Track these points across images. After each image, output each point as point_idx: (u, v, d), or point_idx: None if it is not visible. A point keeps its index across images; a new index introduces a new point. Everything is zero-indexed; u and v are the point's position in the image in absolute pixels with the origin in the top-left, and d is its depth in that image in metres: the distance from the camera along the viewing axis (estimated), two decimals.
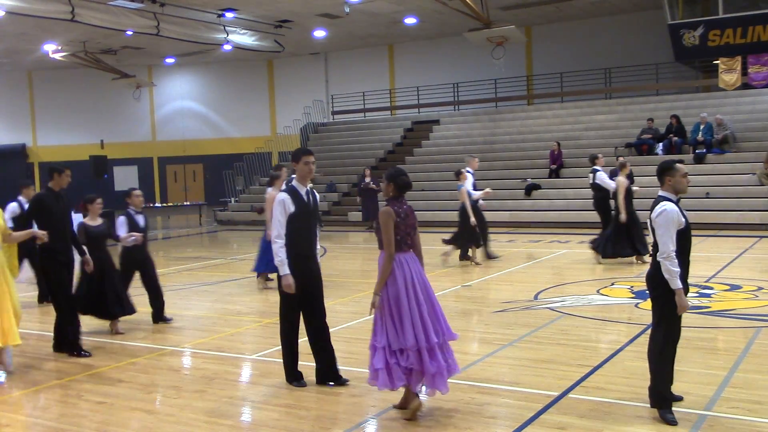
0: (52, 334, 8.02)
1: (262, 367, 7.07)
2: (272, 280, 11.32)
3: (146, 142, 33.76)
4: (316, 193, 6.43)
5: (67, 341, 7.80)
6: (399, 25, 26.61)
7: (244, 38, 25.22)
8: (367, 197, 20.54)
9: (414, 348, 5.23)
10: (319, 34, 27.24)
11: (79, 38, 25.39)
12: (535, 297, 10.00)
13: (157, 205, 29.49)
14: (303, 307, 6.18)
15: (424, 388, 5.52)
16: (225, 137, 33.50)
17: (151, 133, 34.16)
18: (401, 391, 5.46)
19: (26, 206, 12.26)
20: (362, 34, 28.17)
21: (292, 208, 6.03)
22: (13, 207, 10.87)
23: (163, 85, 33.43)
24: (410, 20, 25.76)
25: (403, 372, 5.28)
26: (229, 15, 23.27)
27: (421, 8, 23.68)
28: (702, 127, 20.47)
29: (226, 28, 24.10)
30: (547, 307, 9.26)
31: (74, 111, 32.73)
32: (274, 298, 11.29)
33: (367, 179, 20.99)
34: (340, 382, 6.19)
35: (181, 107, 34.02)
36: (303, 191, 6.18)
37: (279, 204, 6.03)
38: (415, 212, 5.67)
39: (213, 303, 10.64)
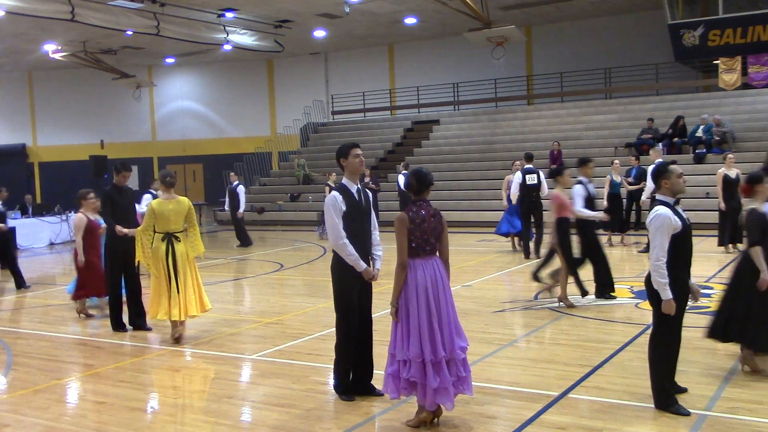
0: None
1: (262, 367, 7.07)
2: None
3: (146, 142, 33.74)
4: (369, 192, 6.08)
5: (113, 318, 8.89)
6: (399, 25, 26.60)
7: (244, 38, 25.19)
8: None
9: (418, 359, 5.03)
10: (319, 34, 27.23)
11: (79, 38, 25.38)
12: (535, 297, 10.00)
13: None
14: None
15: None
16: (225, 137, 33.48)
17: (151, 133, 34.14)
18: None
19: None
20: (362, 34, 28.16)
21: (343, 207, 5.68)
22: None
23: (163, 85, 33.41)
24: (410, 20, 25.75)
25: (406, 384, 5.13)
26: (229, 15, 23.26)
27: (421, 8, 23.67)
28: (702, 127, 20.50)
29: (226, 28, 24.08)
30: (547, 307, 9.26)
31: (74, 111, 32.69)
32: (274, 298, 11.34)
33: (367, 179, 20.98)
34: (375, 394, 5.87)
35: (181, 107, 34.00)
36: (354, 189, 5.81)
37: (331, 204, 5.67)
38: None
39: (213, 303, 10.62)
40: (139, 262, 8.40)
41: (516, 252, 15.08)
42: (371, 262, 5.88)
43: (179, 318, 8.00)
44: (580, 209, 9.26)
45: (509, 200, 14.82)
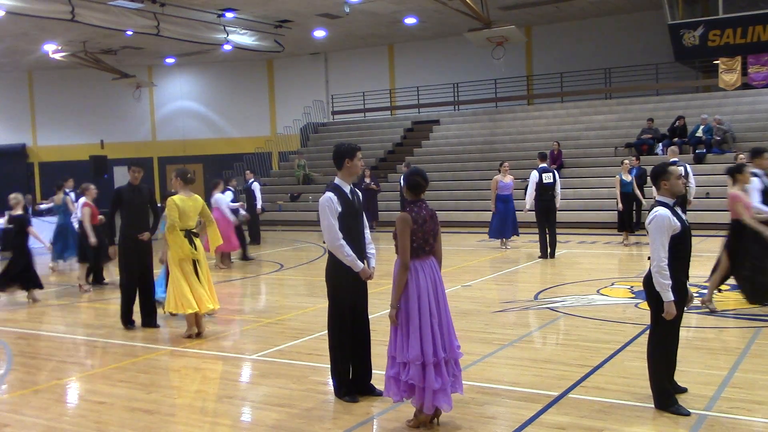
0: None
1: (262, 367, 7.07)
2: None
3: (146, 142, 33.73)
4: (358, 191, 6.07)
5: (124, 314, 8.89)
6: (399, 25, 26.59)
7: (244, 38, 25.19)
8: (367, 197, 20.53)
9: (417, 362, 4.99)
10: (319, 34, 27.22)
11: (79, 38, 25.38)
12: (535, 297, 10.00)
13: (157, 205, 29.47)
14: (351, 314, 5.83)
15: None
16: (225, 137, 33.47)
17: (151, 133, 34.13)
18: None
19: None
20: (362, 34, 28.15)
21: (339, 208, 5.66)
22: None
23: (163, 85, 33.40)
24: (410, 20, 25.74)
25: (405, 387, 5.10)
26: (229, 15, 23.26)
27: (421, 8, 23.66)
28: (702, 127, 20.51)
29: (226, 28, 24.08)
30: (547, 307, 9.26)
31: (74, 111, 32.68)
32: (274, 298, 11.34)
33: (367, 179, 21.00)
34: (375, 393, 5.87)
35: (181, 107, 33.99)
36: (347, 189, 5.81)
37: (327, 205, 5.64)
38: None
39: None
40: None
41: (506, 250, 15.18)
42: (366, 261, 5.88)
43: (203, 311, 8.19)
44: (758, 205, 8.40)
45: (498, 203, 15.17)
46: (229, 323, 9.14)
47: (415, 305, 5.06)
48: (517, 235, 15.66)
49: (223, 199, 14.20)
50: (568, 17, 26.44)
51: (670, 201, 5.30)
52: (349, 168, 5.82)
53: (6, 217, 11.60)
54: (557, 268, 12.79)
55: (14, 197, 11.37)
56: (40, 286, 11.26)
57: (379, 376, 5.98)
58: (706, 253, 13.38)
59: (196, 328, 8.25)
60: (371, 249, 5.98)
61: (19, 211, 11.29)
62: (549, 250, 13.75)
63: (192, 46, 26.29)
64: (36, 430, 5.57)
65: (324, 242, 5.92)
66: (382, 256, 15.60)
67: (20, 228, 11.09)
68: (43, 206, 15.35)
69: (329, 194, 5.71)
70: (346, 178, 5.85)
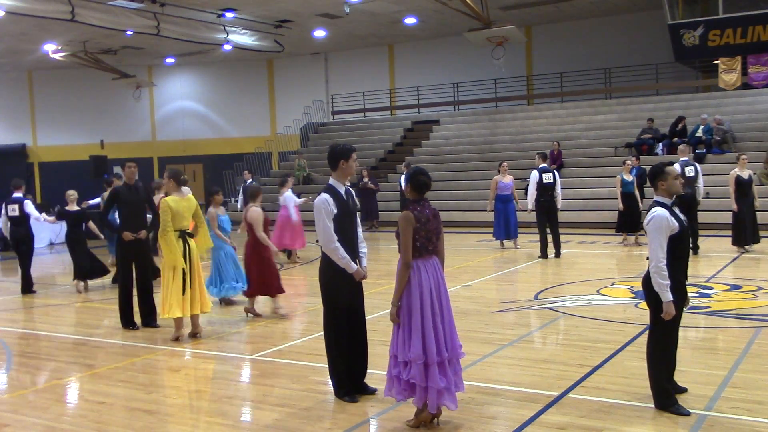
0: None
1: (262, 367, 7.07)
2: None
3: (146, 142, 33.72)
4: (353, 192, 6.07)
5: (123, 315, 8.89)
6: (399, 25, 26.59)
7: (244, 38, 25.19)
8: (366, 197, 20.54)
9: (419, 361, 4.99)
10: (319, 34, 27.23)
11: (79, 38, 25.37)
12: (535, 297, 10.00)
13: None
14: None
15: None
16: (225, 137, 33.47)
17: (151, 133, 34.12)
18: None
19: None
20: (362, 34, 28.15)
21: (335, 210, 5.66)
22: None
23: (163, 85, 33.40)
24: (410, 20, 25.74)
25: (406, 385, 5.10)
26: (229, 15, 23.26)
27: (421, 8, 23.66)
28: (702, 127, 20.51)
29: (226, 28, 24.08)
30: (547, 307, 9.26)
31: (74, 111, 32.68)
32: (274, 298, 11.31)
33: (366, 179, 21.00)
34: (368, 392, 5.89)
35: (181, 107, 33.98)
36: (342, 190, 5.82)
37: (323, 207, 5.64)
38: None
39: (213, 303, 10.61)
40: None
41: (517, 249, 15.18)
42: (358, 261, 5.89)
43: (195, 312, 8.15)
44: None
45: (497, 203, 15.20)
46: (229, 323, 9.14)
47: (417, 304, 5.06)
48: (515, 237, 15.59)
49: (291, 197, 14.38)
50: (568, 17, 26.44)
51: (667, 201, 5.30)
52: (344, 169, 5.83)
53: (55, 213, 12.27)
54: (557, 268, 12.79)
55: (71, 193, 12.09)
56: (107, 271, 12.27)
57: (379, 376, 5.98)
58: (707, 253, 13.40)
59: (183, 330, 8.20)
60: (363, 248, 6.00)
61: (75, 207, 11.99)
62: (555, 250, 13.72)
63: (192, 46, 26.28)
64: (36, 430, 5.57)
65: (317, 242, 5.92)
66: (382, 256, 15.59)
67: (75, 223, 11.97)
68: (92, 202, 15.53)
69: (325, 196, 5.72)
70: (341, 179, 5.86)
